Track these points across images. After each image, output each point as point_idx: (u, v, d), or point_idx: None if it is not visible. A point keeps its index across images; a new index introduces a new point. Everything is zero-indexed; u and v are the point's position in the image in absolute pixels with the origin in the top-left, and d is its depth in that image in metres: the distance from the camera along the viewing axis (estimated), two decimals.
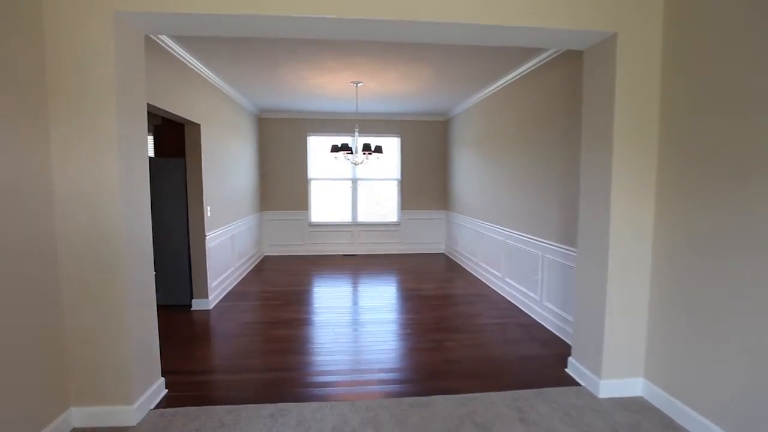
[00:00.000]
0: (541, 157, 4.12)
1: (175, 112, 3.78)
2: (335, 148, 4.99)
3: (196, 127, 4.34)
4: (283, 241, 7.66)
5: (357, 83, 5.06)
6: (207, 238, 4.52)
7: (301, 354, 3.41)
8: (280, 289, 5.38)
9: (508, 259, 4.90)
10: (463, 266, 6.68)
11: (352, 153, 5.16)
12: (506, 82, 4.85)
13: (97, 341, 2.32)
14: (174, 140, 4.57)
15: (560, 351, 3.36)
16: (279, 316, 4.32)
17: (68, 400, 2.32)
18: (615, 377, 2.65)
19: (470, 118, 6.32)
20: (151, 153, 6.78)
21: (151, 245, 2.67)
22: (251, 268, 6.55)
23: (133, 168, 2.42)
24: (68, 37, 2.19)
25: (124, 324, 2.33)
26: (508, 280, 4.92)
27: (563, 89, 3.69)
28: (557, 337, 3.70)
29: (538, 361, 3.24)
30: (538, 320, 4.10)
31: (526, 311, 4.38)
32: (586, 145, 2.84)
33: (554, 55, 3.78)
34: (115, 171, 2.26)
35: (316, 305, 4.75)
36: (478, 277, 5.93)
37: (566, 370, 3.04)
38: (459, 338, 3.71)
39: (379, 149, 5.04)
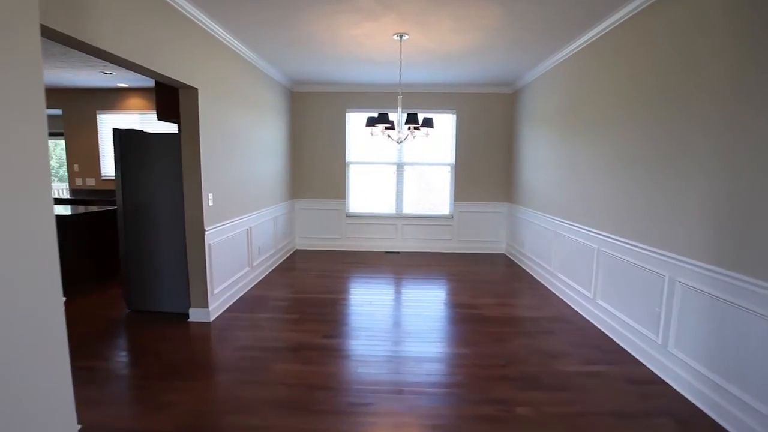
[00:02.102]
0: (668, 133, 2.71)
1: (157, 70, 2.83)
2: (372, 121, 3.87)
3: (193, 92, 3.40)
4: (316, 234, 6.71)
5: (401, 36, 3.86)
6: (207, 233, 3.61)
7: (300, 411, 2.36)
8: (304, 296, 4.40)
9: (606, 276, 3.53)
10: (531, 273, 5.33)
11: (392, 127, 4.00)
12: (603, 30, 3.42)
13: None
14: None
15: None
16: (291, 339, 3.32)
17: None
18: None
19: (547, 86, 4.89)
20: (153, 119, 5.98)
21: (55, 245, 1.69)
22: (276, 265, 5.66)
23: None
24: None
25: None
26: (603, 304, 3.56)
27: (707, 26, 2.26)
28: (702, 413, 2.35)
29: None
30: (663, 376, 2.74)
31: (638, 357, 3.02)
32: None
33: None
34: None
35: (342, 324, 3.70)
36: (554, 291, 4.58)
37: None
38: (538, 399, 2.48)
39: (428, 122, 3.84)
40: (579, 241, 3.99)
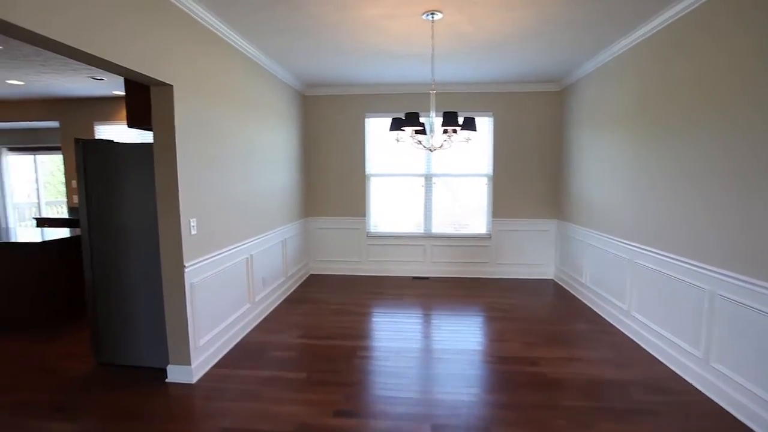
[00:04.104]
0: None
1: (101, 56, 2.08)
2: (397, 124, 3.03)
3: (166, 90, 2.64)
4: (334, 256, 5.89)
5: (432, 15, 3.03)
6: (187, 270, 2.82)
7: None
8: (314, 343, 3.55)
9: (729, 332, 2.54)
10: (594, 309, 4.32)
11: (423, 132, 3.15)
12: (690, 5, 2.49)
13: None
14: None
15: None
16: (293, 416, 2.47)
17: None
18: None
19: (609, 79, 3.94)
20: (123, 126, 5.37)
21: None
22: (287, 295, 4.86)
23: None
24: None
25: None
26: (723, 369, 2.56)
27: None
28: None
29: None
30: None
31: None
32: None
33: None
34: None
35: (360, 389, 2.83)
36: (634, 338, 3.57)
37: None
38: None
39: (469, 124, 2.97)
40: (677, 279, 3.00)
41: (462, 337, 3.68)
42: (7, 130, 6.93)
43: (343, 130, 5.70)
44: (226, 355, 3.31)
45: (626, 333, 3.67)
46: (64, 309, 4.06)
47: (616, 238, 3.90)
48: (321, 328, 3.87)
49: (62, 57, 3.98)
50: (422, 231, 5.82)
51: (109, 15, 2.12)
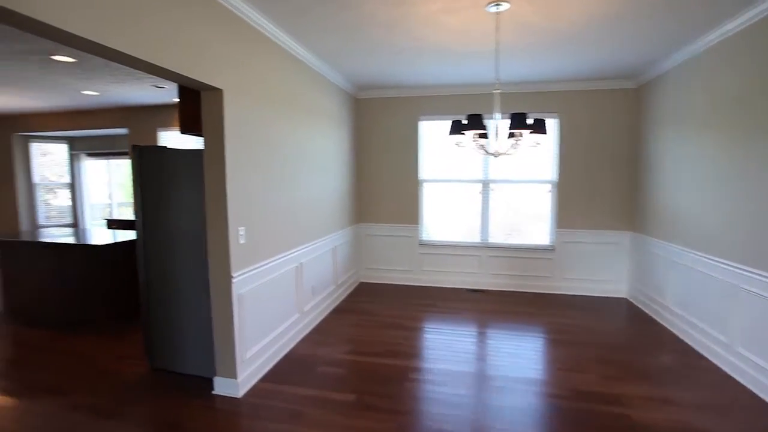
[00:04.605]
0: None
1: (162, 65, 2.02)
2: (457, 128, 2.75)
3: (216, 95, 2.56)
4: (385, 264, 5.69)
5: (497, 5, 2.72)
6: (235, 280, 2.72)
7: None
8: (364, 360, 3.35)
9: None
10: (679, 335, 3.75)
11: (485, 135, 2.84)
12: None
13: None
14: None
15: None
16: None
17: None
18: None
19: (699, 74, 3.38)
20: (176, 131, 5.44)
21: None
22: (336, 304, 4.71)
23: None
24: None
25: None
26: None
27: None
28: None
29: None
30: None
31: None
32: None
33: None
34: None
35: (412, 419, 2.58)
36: (736, 377, 3.01)
37: None
38: None
39: (540, 126, 2.63)
40: None
41: (525, 362, 3.30)
42: (86, 137, 7.46)
43: (396, 133, 5.50)
44: (273, 367, 3.19)
45: (727, 371, 3.11)
46: (127, 310, 4.19)
47: (712, 257, 3.34)
48: (371, 343, 3.66)
49: (125, 67, 4.12)
50: (478, 240, 5.45)
51: (160, 20, 2.05)
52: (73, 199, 7.77)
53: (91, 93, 5.29)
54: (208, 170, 2.64)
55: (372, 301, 4.88)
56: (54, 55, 3.77)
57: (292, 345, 3.57)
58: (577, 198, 5.08)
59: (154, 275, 3.01)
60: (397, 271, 5.66)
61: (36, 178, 7.59)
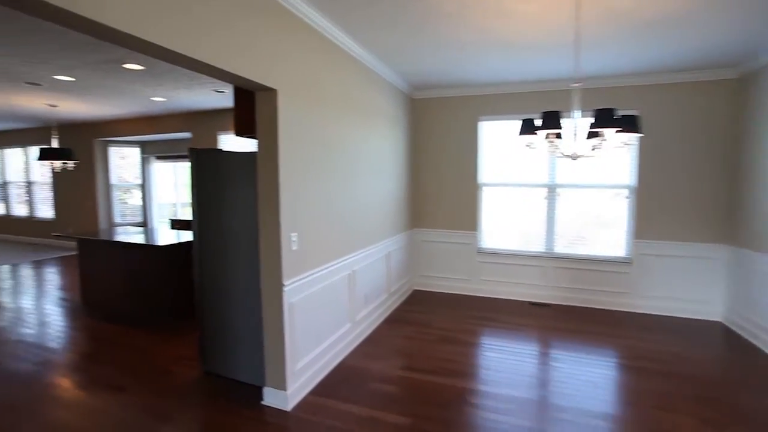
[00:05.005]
0: None
1: (221, 67, 1.95)
2: (529, 127, 2.45)
3: (270, 95, 2.47)
4: (440, 272, 5.42)
5: None
6: (286, 289, 2.61)
7: None
8: (419, 378, 3.12)
9: None
10: None
11: (558, 136, 2.51)
12: None
13: None
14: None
15: None
16: None
17: None
18: None
19: None
20: (229, 134, 5.44)
21: None
22: (389, 313, 4.52)
23: None
24: None
25: None
26: None
27: None
28: None
29: None
30: None
31: None
32: None
33: None
34: None
35: None
36: None
37: None
38: None
39: (629, 124, 2.25)
40: None
41: (601, 393, 2.90)
42: (155, 141, 7.91)
43: (454, 134, 5.21)
44: (323, 380, 3.05)
45: None
46: (188, 309, 4.29)
47: None
48: (426, 359, 3.42)
49: (189, 72, 4.22)
50: (543, 249, 5.02)
51: (213, 19, 1.97)
52: (144, 199, 8.27)
53: (159, 99, 5.53)
54: (261, 173, 2.55)
55: (426, 311, 4.63)
56: (125, 63, 3.93)
57: (342, 356, 3.42)
58: (661, 205, 4.50)
59: (207, 277, 2.99)
60: (453, 279, 5.37)
61: (113, 179, 8.18)
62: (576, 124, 2.46)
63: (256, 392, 2.84)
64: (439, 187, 5.33)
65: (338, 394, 2.85)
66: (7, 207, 9.62)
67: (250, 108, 2.61)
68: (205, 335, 3.07)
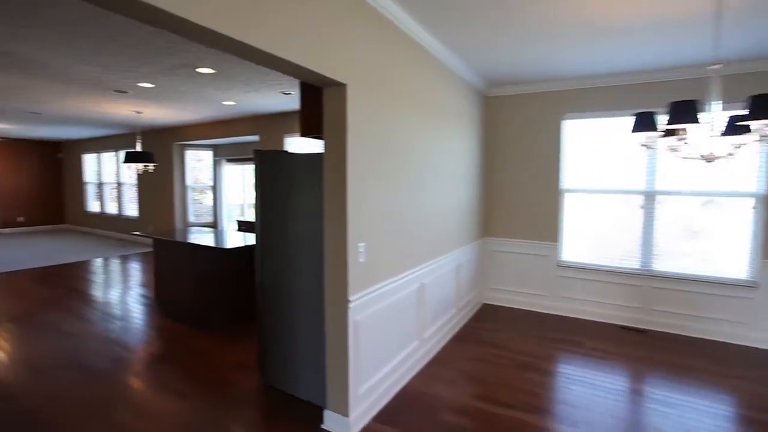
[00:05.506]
0: None
1: (286, 57, 1.75)
2: (645, 123, 1.98)
3: (339, 91, 2.24)
4: (513, 286, 4.93)
5: None
6: (351, 305, 2.36)
7: None
8: (495, 409, 2.74)
9: None
10: None
11: (679, 132, 2.01)
12: None
13: None
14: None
15: None
16: None
17: None
18: None
19: None
20: (296, 135, 5.31)
21: None
22: (457, 329, 4.15)
23: None
24: None
25: None
26: None
27: None
28: None
29: None
30: None
31: None
32: None
33: None
34: None
35: None
36: None
37: None
38: None
39: None
40: None
41: None
42: (226, 144, 8.19)
43: (533, 134, 4.71)
44: (388, 403, 2.77)
45: None
46: (249, 313, 4.25)
47: None
48: (502, 387, 3.02)
49: (259, 74, 4.18)
50: (638, 266, 4.35)
51: (283, 9, 1.77)
52: (215, 200, 8.61)
53: (230, 103, 5.63)
54: (327, 176, 2.33)
55: (498, 329, 4.19)
56: (197, 67, 3.96)
57: (408, 377, 3.12)
58: None
59: (268, 282, 2.85)
60: (527, 294, 4.86)
61: (189, 180, 8.61)
62: (713, 118, 1.95)
63: (315, 412, 2.63)
64: (514, 192, 4.86)
65: (404, 424, 2.55)
66: (102, 205, 10.59)
67: (317, 106, 2.41)
68: (264, 345, 2.93)
